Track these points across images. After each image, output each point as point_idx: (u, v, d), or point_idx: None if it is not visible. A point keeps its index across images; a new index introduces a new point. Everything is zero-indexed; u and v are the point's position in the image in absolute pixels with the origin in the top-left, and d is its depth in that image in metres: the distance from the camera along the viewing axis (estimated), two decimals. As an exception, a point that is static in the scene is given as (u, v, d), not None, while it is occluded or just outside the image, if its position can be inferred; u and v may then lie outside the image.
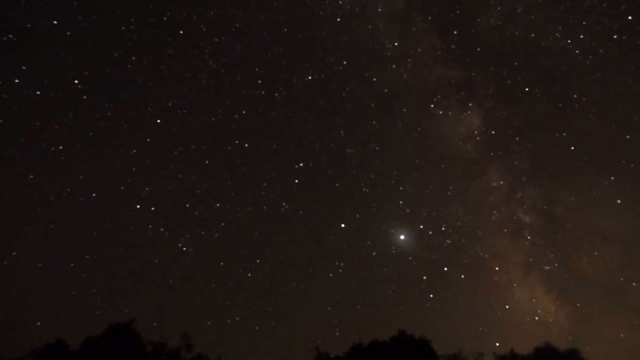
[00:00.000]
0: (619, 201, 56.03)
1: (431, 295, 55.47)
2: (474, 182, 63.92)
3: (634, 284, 52.99)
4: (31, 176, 49.02)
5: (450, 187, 63.33)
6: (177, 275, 53.21)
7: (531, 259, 58.22)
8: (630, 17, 57.29)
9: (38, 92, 49.39)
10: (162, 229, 53.35)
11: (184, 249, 53.30)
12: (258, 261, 55.72)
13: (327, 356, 39.20)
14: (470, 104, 64.57)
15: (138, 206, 53.11)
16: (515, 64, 62.96)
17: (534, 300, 55.91)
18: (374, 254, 58.46)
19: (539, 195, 60.43)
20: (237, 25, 61.43)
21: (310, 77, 63.92)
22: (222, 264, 54.56)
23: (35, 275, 47.26)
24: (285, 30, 63.58)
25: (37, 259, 47.52)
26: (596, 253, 56.53)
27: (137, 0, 57.02)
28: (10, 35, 47.37)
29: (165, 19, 57.32)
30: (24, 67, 48.39)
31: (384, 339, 38.01)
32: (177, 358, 36.75)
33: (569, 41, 59.70)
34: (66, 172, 51.37)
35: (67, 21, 52.13)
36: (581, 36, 59.33)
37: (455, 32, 64.59)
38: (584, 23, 59.14)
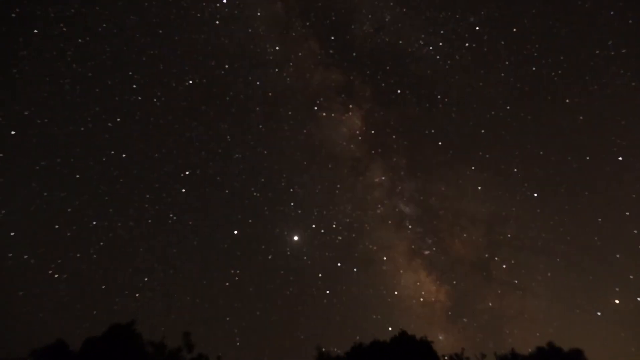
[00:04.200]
0: (479, 188, 64.80)
1: (327, 292, 58.27)
2: (358, 179, 68.74)
3: (496, 259, 61.66)
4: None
5: (338, 186, 66.41)
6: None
7: (413, 246, 64.19)
8: (477, 28, 66.59)
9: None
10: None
11: (56, 275, 51.06)
12: (146, 279, 54.09)
13: (328, 356, 39.23)
14: (350, 106, 69.79)
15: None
16: (388, 68, 69.55)
17: (418, 284, 61.65)
18: (270, 257, 59.55)
19: (416, 188, 67.19)
20: (104, 25, 57.63)
21: (191, 82, 62.37)
22: (103, 287, 52.99)
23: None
24: (161, 31, 61.49)
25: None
26: (465, 235, 64.70)
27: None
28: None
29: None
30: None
31: (385, 339, 38.09)
32: (178, 358, 36.75)
33: (430, 48, 67.46)
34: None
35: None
36: (440, 43, 67.54)
37: (332, 38, 69.60)
38: (442, 32, 67.53)
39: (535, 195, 62.51)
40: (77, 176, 53.92)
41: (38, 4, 52.95)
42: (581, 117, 63.55)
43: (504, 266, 60.90)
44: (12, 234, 48.54)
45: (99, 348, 33.64)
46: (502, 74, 66.75)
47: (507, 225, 63.71)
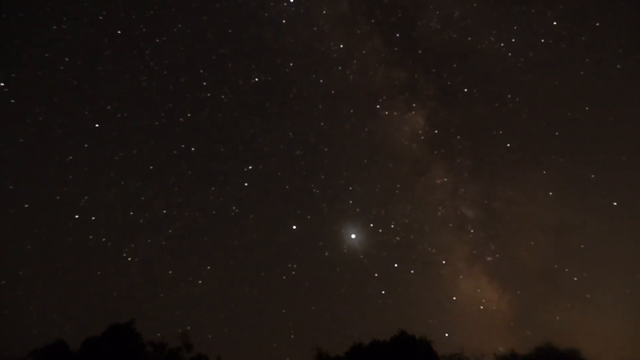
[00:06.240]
0: (551, 193, 59.82)
1: (383, 292, 56.31)
2: (419, 179, 66.30)
3: (566, 270, 55.99)
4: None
5: (398, 186, 64.31)
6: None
7: (474, 251, 60.64)
8: (555, 23, 63.00)
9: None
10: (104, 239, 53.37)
11: (129, 259, 52.96)
12: (209, 267, 55.02)
13: (328, 356, 39.15)
14: (414, 104, 66.89)
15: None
16: (454, 65, 66.29)
17: (478, 291, 58.05)
18: (326, 254, 58.42)
19: (480, 190, 63.53)
20: (180, 25, 60.65)
21: (257, 79, 63.43)
22: (170, 272, 53.97)
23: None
24: (230, 31, 63.40)
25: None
26: (532, 243, 59.67)
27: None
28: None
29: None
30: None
31: (385, 339, 37.58)
32: (177, 358, 36.94)
33: (502, 44, 64.12)
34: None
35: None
36: (513, 40, 63.88)
37: (397, 35, 67.60)
38: (515, 27, 63.82)
39: (615, 204, 56.45)
40: (151, 167, 57.48)
41: (123, 7, 58.00)
42: (674, 121, 57.54)
43: (575, 279, 55.36)
44: (92, 218, 52.17)
45: (98, 348, 33.91)
46: (582, 72, 61.59)
47: (580, 235, 58.22)
